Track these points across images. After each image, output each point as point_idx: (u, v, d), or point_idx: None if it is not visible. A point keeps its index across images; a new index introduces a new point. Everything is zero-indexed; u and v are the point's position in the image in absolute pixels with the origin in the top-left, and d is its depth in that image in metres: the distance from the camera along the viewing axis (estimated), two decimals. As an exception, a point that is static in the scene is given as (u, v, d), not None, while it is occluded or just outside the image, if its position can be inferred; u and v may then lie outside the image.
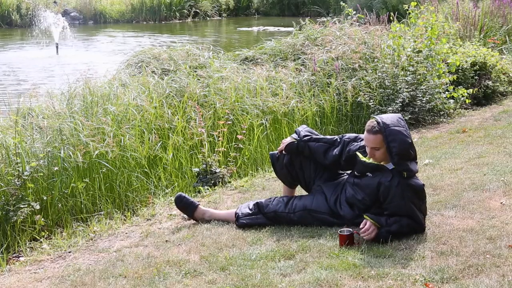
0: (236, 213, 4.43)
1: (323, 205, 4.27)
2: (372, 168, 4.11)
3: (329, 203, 4.27)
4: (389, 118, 4.05)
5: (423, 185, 4.09)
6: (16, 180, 5.04)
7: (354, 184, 4.21)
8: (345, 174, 4.47)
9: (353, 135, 4.43)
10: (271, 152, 4.68)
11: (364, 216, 3.95)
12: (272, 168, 6.09)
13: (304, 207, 4.29)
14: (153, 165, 6.01)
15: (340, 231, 3.93)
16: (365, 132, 4.08)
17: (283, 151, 4.51)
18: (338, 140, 4.41)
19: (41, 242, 4.72)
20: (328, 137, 4.48)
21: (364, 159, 4.12)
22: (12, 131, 5.66)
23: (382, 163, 4.09)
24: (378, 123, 4.00)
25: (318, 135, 4.50)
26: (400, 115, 4.16)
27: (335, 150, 4.37)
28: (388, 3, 19.38)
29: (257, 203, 4.42)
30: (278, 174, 4.63)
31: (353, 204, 4.19)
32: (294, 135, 4.50)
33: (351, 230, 3.94)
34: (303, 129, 4.52)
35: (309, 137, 4.45)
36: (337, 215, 4.23)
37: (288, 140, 4.51)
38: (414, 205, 3.96)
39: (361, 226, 3.94)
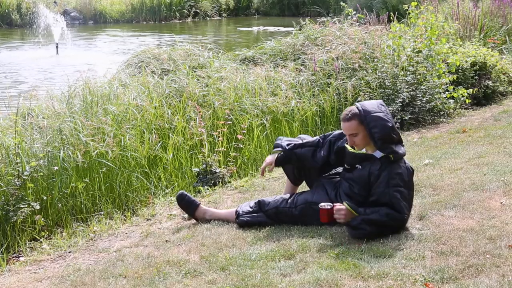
0: (236, 211, 4.44)
1: (324, 198, 4.28)
2: (361, 158, 4.15)
3: (329, 196, 4.29)
4: (370, 104, 4.13)
5: (412, 170, 4.14)
6: (16, 180, 5.04)
7: (348, 178, 4.23)
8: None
9: (337, 132, 4.47)
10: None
11: (344, 203, 4.01)
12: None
13: (306, 200, 4.31)
14: (153, 165, 6.02)
15: (320, 205, 4.01)
16: (341, 122, 4.17)
17: (266, 170, 4.52)
18: (321, 141, 4.45)
19: (41, 242, 4.72)
20: (310, 139, 4.52)
21: (352, 150, 4.17)
22: (12, 131, 5.66)
23: (369, 151, 4.13)
24: (358, 110, 4.07)
25: (299, 141, 4.52)
26: (381, 101, 4.26)
27: (322, 151, 4.42)
28: (388, 3, 19.40)
29: (258, 201, 4.44)
30: (285, 169, 4.66)
31: (352, 197, 4.21)
32: (277, 149, 4.50)
33: (331, 204, 4.02)
34: (283, 140, 4.55)
35: (292, 144, 4.47)
36: None
37: (270, 157, 4.50)
38: (399, 193, 3.99)
39: (335, 204, 4.03)
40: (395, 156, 4.02)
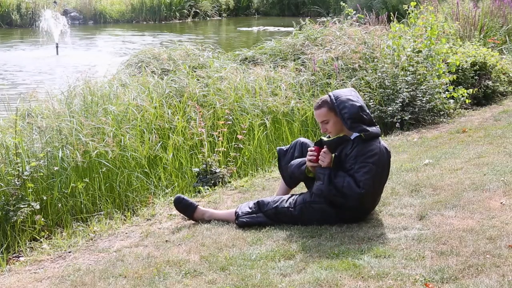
0: (236, 212, 4.43)
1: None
2: (336, 143, 4.24)
3: None
4: (341, 91, 4.34)
5: (388, 151, 4.24)
6: (16, 180, 5.04)
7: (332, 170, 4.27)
8: None
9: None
10: (279, 147, 4.77)
11: (333, 155, 4.19)
12: (270, 169, 6.12)
13: (304, 200, 4.33)
14: (153, 165, 6.02)
15: (315, 143, 4.28)
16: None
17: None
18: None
19: (41, 242, 4.72)
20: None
21: (327, 138, 4.30)
22: (12, 131, 5.67)
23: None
24: (329, 97, 4.24)
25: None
26: (353, 88, 4.43)
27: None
28: (388, 3, 19.40)
29: (257, 201, 4.44)
30: (282, 170, 4.66)
31: None
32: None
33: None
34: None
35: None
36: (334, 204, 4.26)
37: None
38: (365, 168, 4.07)
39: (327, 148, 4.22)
40: (366, 135, 4.15)
